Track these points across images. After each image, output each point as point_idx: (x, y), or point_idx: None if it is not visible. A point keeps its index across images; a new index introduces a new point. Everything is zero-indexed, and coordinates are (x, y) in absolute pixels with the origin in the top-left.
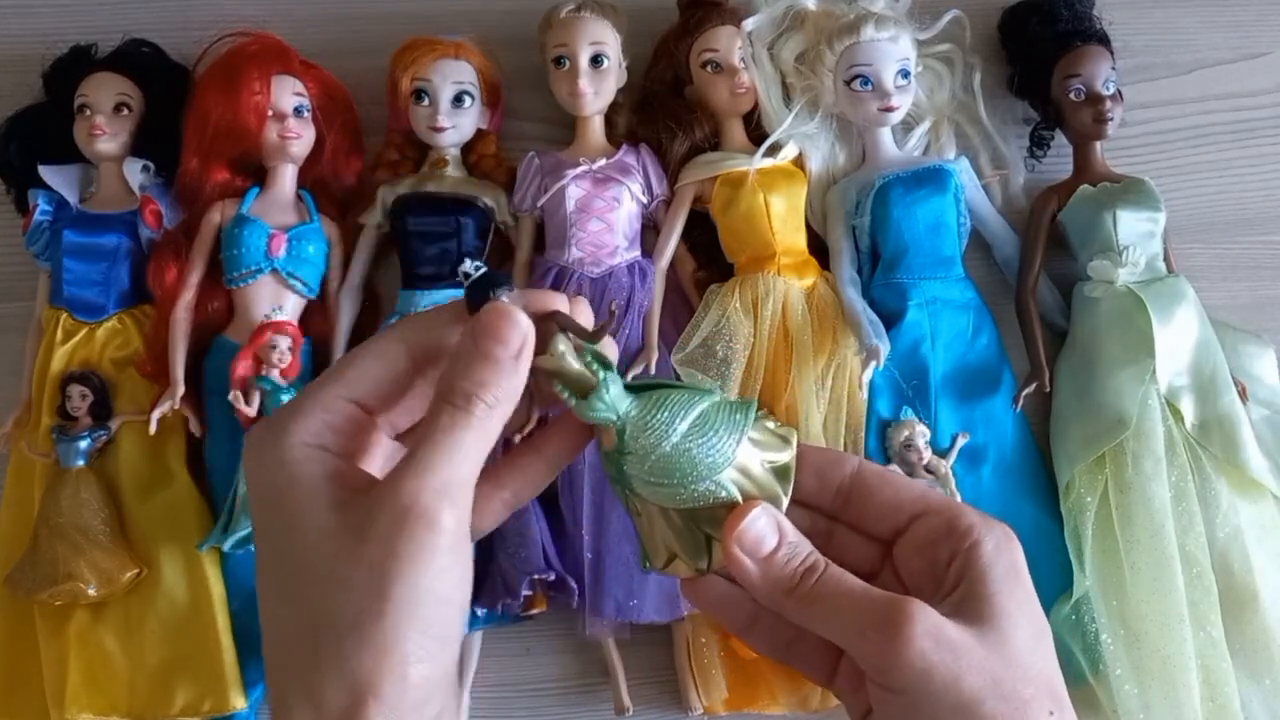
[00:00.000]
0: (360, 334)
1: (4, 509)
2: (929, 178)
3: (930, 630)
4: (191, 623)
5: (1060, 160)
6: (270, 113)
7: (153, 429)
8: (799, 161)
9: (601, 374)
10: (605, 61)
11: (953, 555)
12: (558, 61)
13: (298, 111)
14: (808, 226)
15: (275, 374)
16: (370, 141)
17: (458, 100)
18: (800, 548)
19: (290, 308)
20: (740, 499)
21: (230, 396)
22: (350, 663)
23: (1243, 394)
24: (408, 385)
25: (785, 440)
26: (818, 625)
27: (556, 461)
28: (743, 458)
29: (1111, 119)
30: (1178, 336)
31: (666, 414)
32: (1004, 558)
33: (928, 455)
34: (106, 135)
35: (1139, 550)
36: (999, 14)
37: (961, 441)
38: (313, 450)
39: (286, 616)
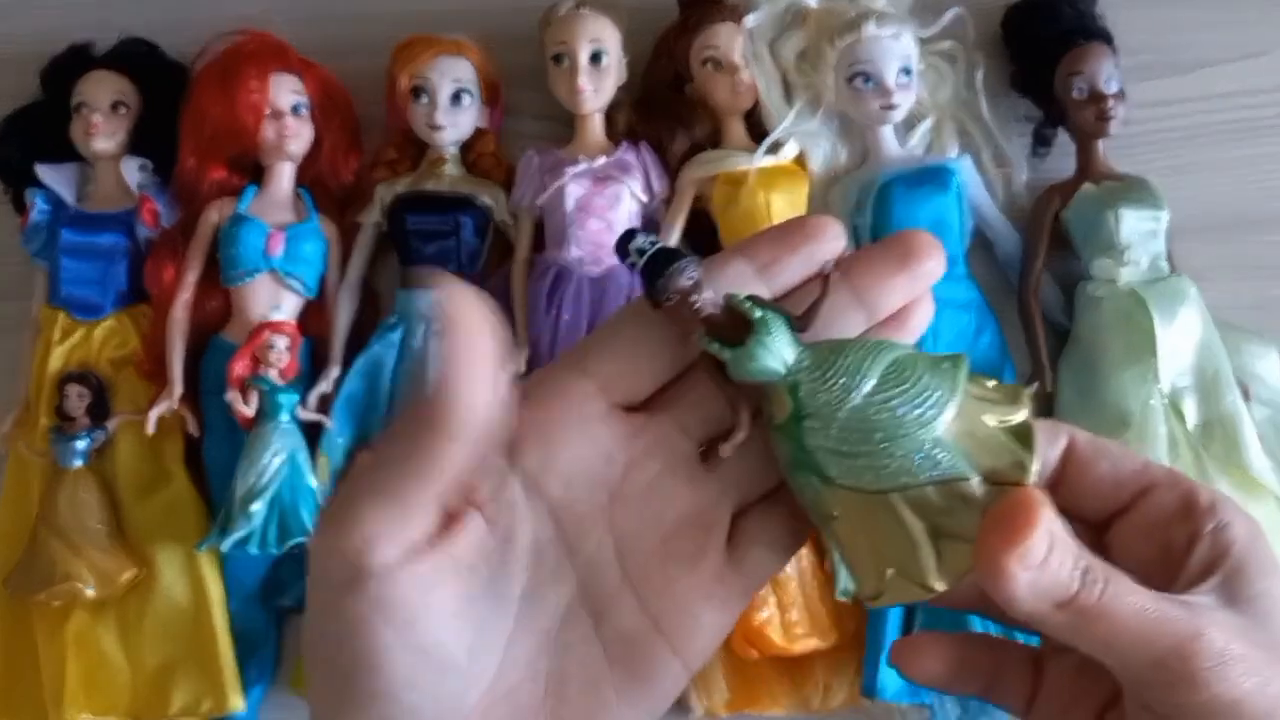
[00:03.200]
0: (359, 333)
1: (2, 509)
2: (931, 176)
3: (1237, 652)
4: (190, 623)
5: (1063, 159)
6: (268, 111)
7: (150, 429)
8: (800, 160)
9: (759, 313)
10: (605, 59)
11: (1192, 538)
12: (557, 59)
13: (295, 110)
14: None
15: (273, 374)
16: (369, 141)
17: (456, 98)
18: (1069, 545)
19: (288, 307)
20: (971, 473)
21: (228, 396)
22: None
23: (1245, 394)
24: None
25: (1013, 398)
26: (1094, 647)
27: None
28: (963, 415)
29: (1114, 117)
30: (1180, 336)
31: (851, 359)
32: (1260, 542)
33: None
34: (103, 134)
35: None
36: (1002, 12)
37: None
38: None
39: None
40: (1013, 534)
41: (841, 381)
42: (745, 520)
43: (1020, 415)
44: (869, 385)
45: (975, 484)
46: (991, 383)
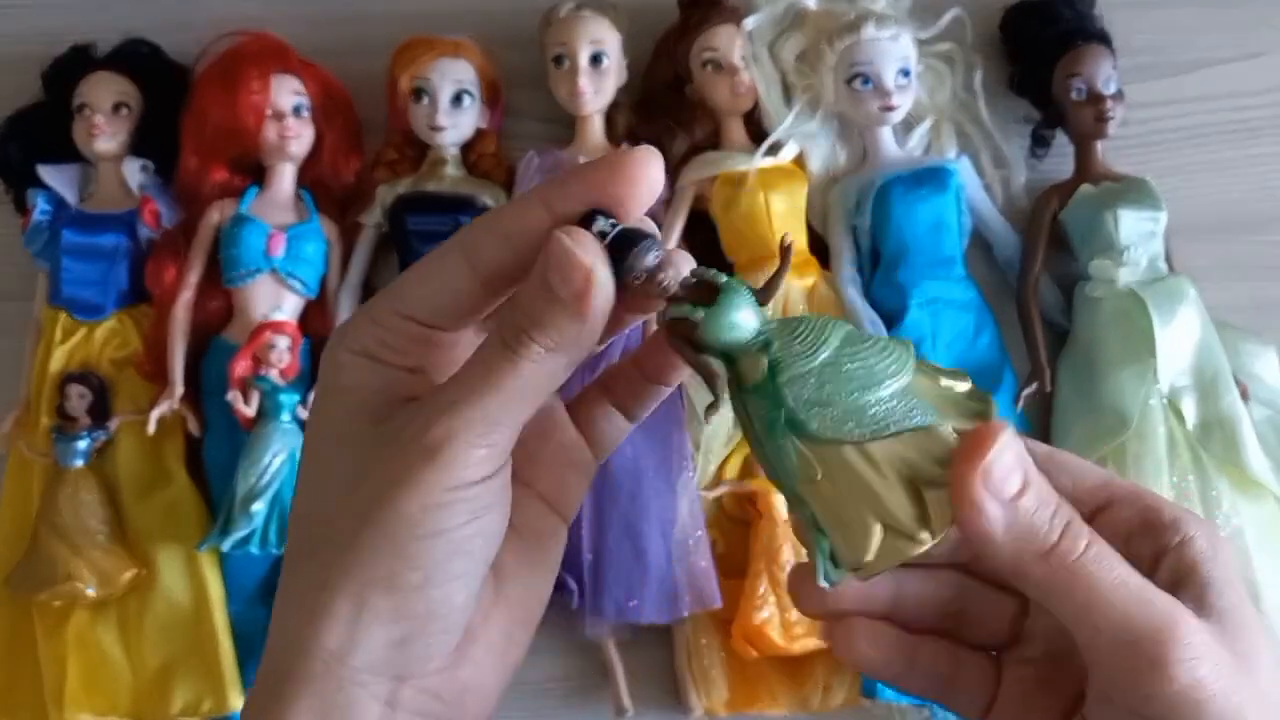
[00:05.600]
0: None
1: (3, 509)
2: (929, 177)
3: (1210, 652)
4: (190, 623)
5: (1061, 160)
6: (269, 112)
7: (151, 429)
8: (800, 161)
9: (725, 279)
10: (605, 60)
11: (1157, 554)
12: (557, 60)
13: (296, 110)
14: (809, 226)
15: (274, 374)
16: (370, 141)
17: (457, 99)
18: (1049, 494)
19: (289, 307)
20: (944, 421)
21: (229, 396)
22: (313, 587)
23: (1244, 394)
24: (482, 304)
25: (956, 375)
26: (1069, 610)
27: (658, 376)
28: (922, 376)
29: (1113, 118)
30: (1179, 337)
31: (815, 325)
32: (1222, 558)
33: None
34: (105, 134)
35: None
36: (1000, 13)
37: None
38: (362, 360)
39: (295, 537)
40: (977, 450)
41: (810, 337)
42: (581, 402)
43: (968, 385)
44: (836, 343)
45: (948, 430)
46: (933, 364)
